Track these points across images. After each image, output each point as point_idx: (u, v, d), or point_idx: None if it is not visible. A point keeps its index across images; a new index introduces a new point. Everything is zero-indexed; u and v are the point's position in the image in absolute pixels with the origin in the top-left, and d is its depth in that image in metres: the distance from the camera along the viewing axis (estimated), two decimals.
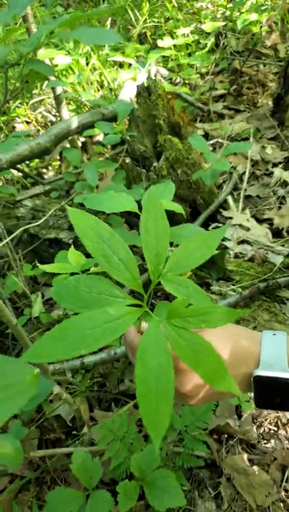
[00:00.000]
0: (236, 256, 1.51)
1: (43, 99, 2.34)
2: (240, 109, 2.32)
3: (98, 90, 2.23)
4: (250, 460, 1.14)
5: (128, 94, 1.68)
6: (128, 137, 1.55)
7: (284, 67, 2.10)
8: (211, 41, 2.36)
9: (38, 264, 1.26)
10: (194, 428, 1.03)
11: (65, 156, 2.46)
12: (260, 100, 2.36)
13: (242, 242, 1.55)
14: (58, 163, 2.44)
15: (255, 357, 0.63)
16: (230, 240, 1.55)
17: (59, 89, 1.74)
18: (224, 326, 0.68)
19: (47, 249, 1.70)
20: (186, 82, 2.41)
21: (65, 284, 0.58)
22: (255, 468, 1.12)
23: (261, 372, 0.61)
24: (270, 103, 2.27)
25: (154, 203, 0.67)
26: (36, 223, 1.29)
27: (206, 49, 2.37)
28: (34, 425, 1.26)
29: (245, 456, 1.14)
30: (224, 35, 2.73)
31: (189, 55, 2.42)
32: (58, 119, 1.84)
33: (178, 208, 0.99)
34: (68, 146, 2.08)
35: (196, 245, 0.65)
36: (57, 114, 2.03)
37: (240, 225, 1.60)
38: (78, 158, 1.63)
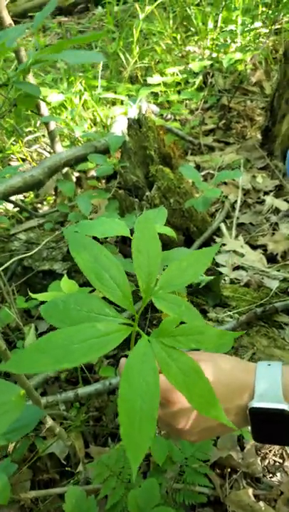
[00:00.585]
0: (232, 282, 1.50)
1: (37, 137, 2.41)
2: (229, 142, 2.39)
3: (91, 127, 2.31)
4: (255, 495, 1.08)
5: (120, 127, 1.74)
6: (120, 168, 1.58)
7: (270, 101, 2.19)
8: (199, 79, 2.47)
9: (30, 294, 1.25)
10: (194, 460, 0.98)
11: (59, 191, 2.50)
12: (248, 133, 2.44)
13: (237, 268, 1.54)
14: (53, 198, 2.48)
15: (250, 388, 0.61)
16: (224, 266, 1.55)
17: (52, 125, 1.79)
18: (218, 357, 0.66)
19: (40, 281, 1.69)
20: (177, 118, 2.50)
21: (54, 302, 0.57)
22: (261, 504, 1.05)
23: (256, 404, 0.59)
24: (259, 135, 2.34)
25: (147, 224, 0.67)
26: (29, 254, 1.29)
27: (195, 86, 2.47)
28: (26, 465, 1.20)
29: (250, 491, 1.08)
30: (211, 75, 2.86)
31: (179, 92, 2.53)
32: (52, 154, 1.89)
33: (170, 232, 0.99)
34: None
35: (188, 263, 0.65)
36: (51, 150, 2.09)
37: (235, 251, 1.60)
38: (72, 190, 1.66)
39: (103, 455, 1.01)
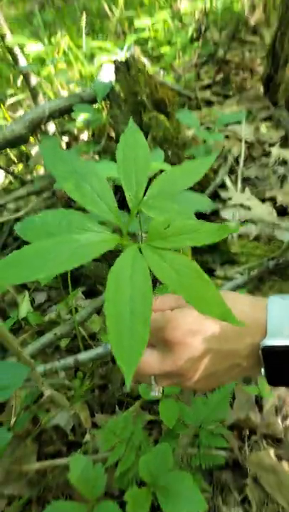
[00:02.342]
0: (240, 237, 1.39)
1: (21, 101, 2.27)
2: (229, 95, 2.24)
3: (77, 84, 2.16)
4: (277, 456, 0.99)
5: (107, 76, 1.60)
6: (110, 119, 1.45)
7: (271, 43, 2.02)
8: (192, 27, 2.29)
9: None
10: (210, 422, 0.89)
11: None
12: (249, 85, 2.28)
13: (245, 222, 1.43)
14: (43, 167, 2.36)
15: (262, 325, 0.53)
16: (231, 220, 1.43)
17: (33, 81, 1.66)
18: (225, 293, 0.57)
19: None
20: (169, 70, 2.34)
21: (31, 219, 0.48)
22: (284, 464, 0.97)
23: (270, 341, 0.52)
24: (260, 86, 2.18)
25: (134, 131, 0.57)
26: (18, 214, 1.18)
27: (188, 35, 2.30)
28: (30, 438, 1.12)
29: (272, 451, 0.99)
30: (205, 29, 2.67)
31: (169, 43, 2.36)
32: None
33: (167, 167, 0.88)
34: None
35: (182, 171, 0.56)
36: None
37: (241, 205, 1.49)
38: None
39: (110, 421, 0.93)
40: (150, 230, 0.47)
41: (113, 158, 1.52)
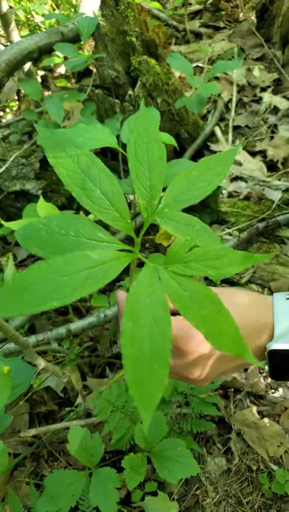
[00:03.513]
0: (230, 195, 1.35)
1: None
2: (219, 27, 2.04)
3: (54, 9, 1.90)
4: (259, 412, 1.07)
5: (90, 7, 1.40)
6: (95, 61, 1.30)
7: None
8: None
9: (2, 222, 1.07)
10: (201, 389, 0.93)
11: (23, 95, 2.16)
12: (241, 15, 2.08)
13: (235, 178, 1.38)
14: (16, 103, 2.14)
15: (268, 328, 0.53)
16: None
17: (4, 6, 1.43)
18: (231, 292, 0.55)
19: (13, 203, 1.50)
20: None
21: (34, 225, 0.43)
22: (265, 420, 1.05)
23: (276, 346, 0.51)
24: (254, 17, 1.99)
25: (146, 121, 0.50)
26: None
27: None
28: (23, 399, 1.14)
29: (255, 408, 1.07)
30: None
31: None
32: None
33: (168, 139, 0.81)
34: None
35: (199, 172, 0.50)
36: (7, 43, 1.72)
37: None
38: (39, 91, 1.38)
39: (104, 390, 0.95)
40: (170, 251, 0.43)
41: (99, 112, 1.38)
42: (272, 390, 1.13)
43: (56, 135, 0.61)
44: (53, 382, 1.14)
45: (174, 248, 0.43)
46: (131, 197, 1.25)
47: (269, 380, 1.14)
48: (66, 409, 0.98)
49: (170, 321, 0.38)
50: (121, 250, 0.44)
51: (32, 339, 0.95)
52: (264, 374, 1.14)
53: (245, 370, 1.14)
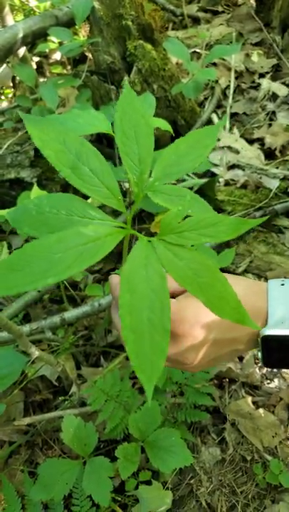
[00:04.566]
0: (227, 183, 1.33)
1: None
2: (218, 11, 1.99)
3: None
4: (254, 403, 1.07)
5: None
6: (90, 46, 1.27)
7: None
8: None
9: None
10: (196, 379, 0.93)
11: (18, 81, 2.12)
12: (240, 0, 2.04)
13: (232, 166, 1.36)
14: (12, 90, 2.11)
15: (262, 313, 0.53)
16: (218, 165, 1.36)
17: None
18: (230, 280, 0.55)
19: (8, 191, 1.48)
20: None
21: (24, 207, 0.43)
22: (260, 410, 1.04)
23: (270, 331, 0.51)
24: (253, 0, 1.95)
25: (131, 99, 0.50)
26: None
27: None
28: (17, 388, 1.14)
29: (250, 399, 1.06)
30: None
31: None
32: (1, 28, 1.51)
33: (164, 125, 0.79)
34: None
35: (187, 145, 0.51)
36: (2, 28, 1.68)
37: (229, 148, 1.40)
38: (33, 77, 1.35)
39: (98, 379, 0.95)
40: (163, 223, 0.42)
41: (94, 98, 1.36)
42: (268, 381, 1.12)
43: (40, 118, 0.60)
44: (47, 371, 1.13)
45: (167, 219, 0.42)
46: (126, 185, 1.24)
47: (264, 370, 1.14)
48: (60, 398, 0.98)
49: (168, 292, 0.38)
50: (115, 227, 0.43)
51: (26, 328, 0.95)
52: (259, 364, 1.13)
53: (241, 360, 1.13)
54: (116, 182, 0.46)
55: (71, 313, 0.99)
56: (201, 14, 1.98)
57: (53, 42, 1.67)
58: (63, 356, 1.14)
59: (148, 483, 0.93)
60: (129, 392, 0.94)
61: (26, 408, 1.16)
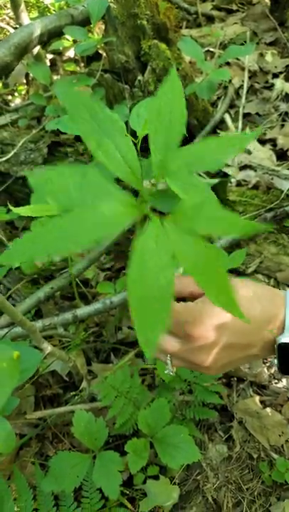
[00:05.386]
0: (238, 184, 1.34)
1: None
2: (232, 10, 1.99)
3: None
4: (262, 402, 1.08)
5: None
6: (105, 45, 1.28)
7: None
8: None
9: (10, 207, 1.08)
10: (204, 378, 0.94)
11: (32, 78, 2.13)
12: None
13: (244, 167, 1.37)
14: (25, 87, 2.12)
15: (279, 321, 0.54)
16: (231, 165, 1.37)
17: None
18: (242, 284, 0.56)
19: (21, 188, 1.50)
20: None
21: (47, 174, 0.44)
22: (268, 410, 1.06)
23: (286, 339, 0.52)
24: (267, 0, 1.94)
25: (175, 82, 0.49)
26: (5, 158, 1.08)
27: None
28: (29, 382, 1.17)
29: (257, 398, 1.08)
30: None
31: None
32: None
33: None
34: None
35: (218, 144, 0.50)
36: (17, 26, 1.69)
37: None
38: (48, 75, 1.36)
39: (108, 375, 0.97)
40: (178, 208, 0.44)
41: (108, 97, 1.37)
42: (276, 381, 1.14)
43: (62, 125, 0.62)
44: (58, 366, 1.15)
45: (183, 207, 0.44)
46: (146, 183, 1.25)
47: (273, 370, 1.15)
48: (71, 393, 1.00)
49: (173, 270, 0.41)
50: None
51: (39, 324, 0.97)
52: (268, 364, 1.15)
53: None
54: (137, 161, 0.47)
55: (83, 310, 1.01)
56: (215, 13, 1.98)
57: (68, 40, 1.68)
58: (74, 352, 1.16)
59: (156, 477, 0.95)
60: (138, 388, 0.96)
61: (37, 402, 1.18)
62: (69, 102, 0.46)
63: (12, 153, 1.12)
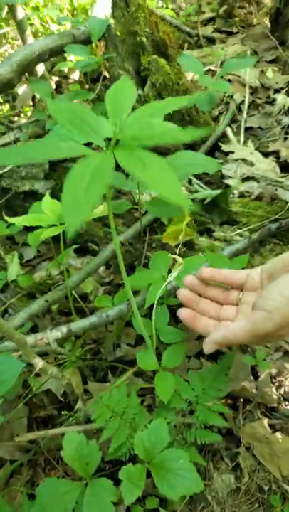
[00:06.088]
0: (241, 195, 1.30)
1: (5, 34, 2.02)
2: (232, 32, 2.02)
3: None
4: (271, 426, 0.99)
5: (101, 10, 1.40)
6: (106, 62, 1.28)
7: None
8: None
9: (7, 219, 1.05)
10: (207, 397, 0.87)
11: (38, 100, 2.17)
12: (254, 20, 2.06)
13: (247, 178, 1.33)
14: (31, 108, 2.16)
15: None
16: (233, 177, 1.33)
17: (21, 13, 1.44)
18: None
19: (22, 203, 1.48)
20: (169, 5, 2.09)
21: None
22: (278, 435, 0.97)
23: None
24: (267, 21, 1.97)
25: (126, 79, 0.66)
26: (5, 170, 1.06)
27: None
28: (21, 402, 1.10)
29: (266, 421, 0.99)
30: None
31: None
32: None
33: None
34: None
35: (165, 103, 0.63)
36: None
37: (244, 160, 1.38)
38: (49, 92, 1.37)
39: (103, 394, 0.90)
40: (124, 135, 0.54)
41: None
42: (286, 402, 1.05)
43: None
44: (53, 385, 1.09)
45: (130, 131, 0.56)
46: (147, 196, 1.22)
47: (282, 390, 1.06)
48: (63, 412, 0.93)
49: (112, 171, 0.47)
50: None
51: (30, 338, 0.91)
52: (276, 384, 1.06)
53: (256, 378, 1.06)
54: (101, 125, 0.58)
55: (78, 325, 0.95)
56: (216, 35, 2.01)
57: (72, 61, 1.71)
58: (70, 370, 1.09)
59: (155, 511, 0.87)
60: (136, 409, 0.89)
61: (30, 425, 1.11)
62: (52, 107, 0.58)
63: (6, 169, 1.10)
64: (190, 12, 2.11)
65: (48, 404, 1.12)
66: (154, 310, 0.86)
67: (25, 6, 1.63)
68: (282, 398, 1.05)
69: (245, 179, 1.34)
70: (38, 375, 1.15)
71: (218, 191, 1.22)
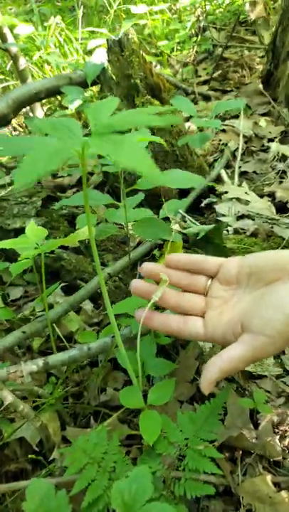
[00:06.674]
0: (236, 232, 1.27)
1: (9, 87, 2.14)
2: (227, 90, 2.13)
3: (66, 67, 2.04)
4: (275, 483, 0.85)
5: (98, 59, 1.48)
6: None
7: (272, 39, 1.93)
8: (191, 21, 2.19)
9: None
10: (198, 441, 0.75)
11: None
12: (247, 81, 2.19)
13: (241, 216, 1.31)
14: None
15: None
16: (227, 215, 1.31)
17: (22, 63, 1.53)
18: None
19: None
20: (166, 65, 2.24)
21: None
22: (283, 494, 0.83)
23: None
24: (259, 82, 2.09)
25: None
26: None
27: (186, 30, 2.20)
28: None
29: (269, 477, 0.85)
30: (203, 29, 2.58)
31: (168, 40, 2.26)
32: None
33: (158, 139, 0.76)
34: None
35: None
36: None
37: (238, 199, 1.36)
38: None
39: (79, 437, 0.78)
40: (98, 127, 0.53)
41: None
42: None
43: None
44: (27, 432, 0.96)
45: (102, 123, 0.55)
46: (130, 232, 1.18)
47: (287, 441, 0.93)
48: (29, 456, 0.81)
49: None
50: None
51: (2, 371, 0.82)
52: (279, 433, 0.94)
53: (256, 426, 0.94)
54: (79, 128, 0.56)
55: (56, 358, 0.86)
56: (211, 93, 2.12)
57: (71, 110, 1.79)
58: (47, 414, 0.98)
59: None
60: (117, 456, 0.77)
61: None
62: (35, 121, 0.63)
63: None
64: (186, 72, 2.25)
65: (21, 455, 0.99)
66: (138, 338, 0.78)
67: (27, 56, 1.74)
68: (287, 451, 0.92)
69: (240, 217, 1.31)
70: (12, 420, 1.03)
71: (211, 226, 1.19)
